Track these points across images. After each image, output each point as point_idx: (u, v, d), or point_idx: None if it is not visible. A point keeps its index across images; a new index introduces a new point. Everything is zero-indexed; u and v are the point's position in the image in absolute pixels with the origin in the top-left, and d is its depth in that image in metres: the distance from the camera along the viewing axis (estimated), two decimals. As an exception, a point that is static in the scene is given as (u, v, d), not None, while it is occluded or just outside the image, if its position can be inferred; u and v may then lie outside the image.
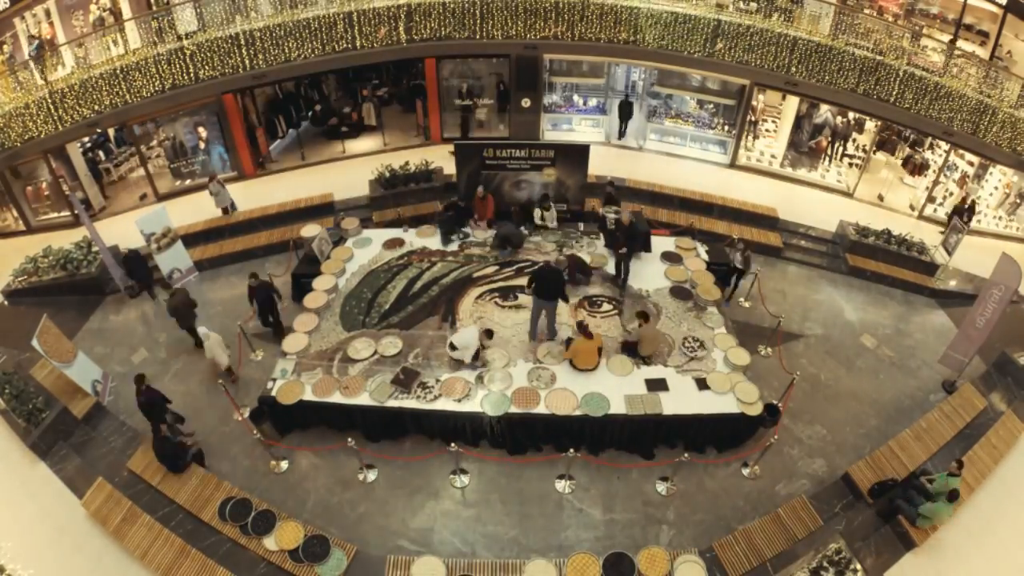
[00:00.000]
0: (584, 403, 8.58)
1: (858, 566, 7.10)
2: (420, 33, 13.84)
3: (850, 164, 15.16)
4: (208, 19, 12.74)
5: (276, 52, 13.16)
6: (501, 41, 14.08)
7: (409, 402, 8.70)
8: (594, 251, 11.42)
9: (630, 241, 10.40)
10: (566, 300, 9.64)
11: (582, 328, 8.93)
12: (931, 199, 14.02)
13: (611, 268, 10.87)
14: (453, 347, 9.07)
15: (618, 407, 8.54)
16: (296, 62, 13.49)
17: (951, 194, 14.22)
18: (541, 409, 8.56)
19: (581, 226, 12.22)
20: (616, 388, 8.82)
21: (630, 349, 9.32)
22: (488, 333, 9.20)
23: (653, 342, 9.29)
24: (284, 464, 8.76)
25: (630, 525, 8.03)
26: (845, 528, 7.75)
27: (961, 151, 13.60)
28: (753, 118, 15.41)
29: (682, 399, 8.71)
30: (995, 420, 9.11)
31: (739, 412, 8.57)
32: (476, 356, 9.13)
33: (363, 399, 8.71)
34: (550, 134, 15.91)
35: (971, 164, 13.95)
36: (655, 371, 9.11)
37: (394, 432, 8.95)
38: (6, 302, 11.50)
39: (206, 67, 12.80)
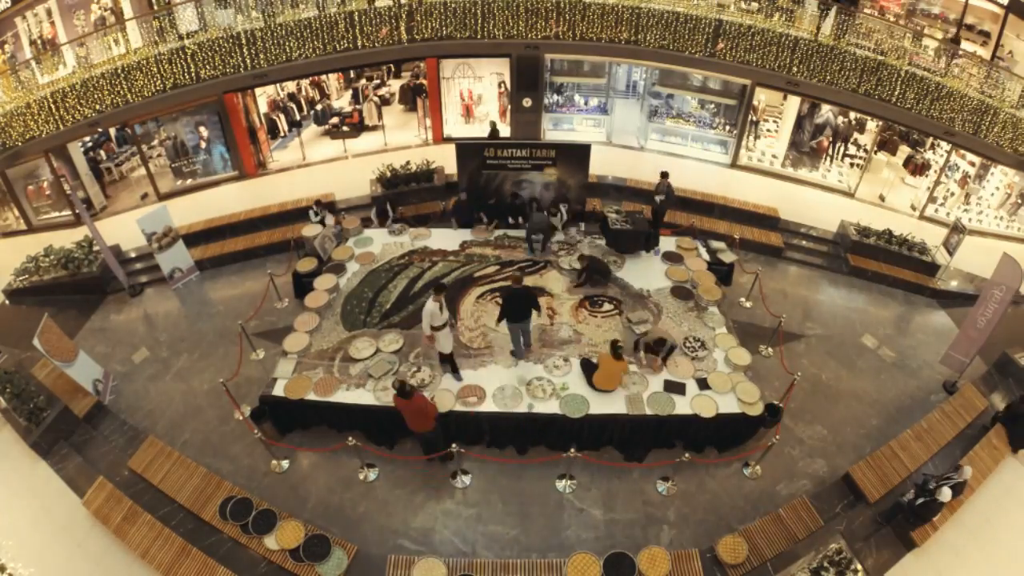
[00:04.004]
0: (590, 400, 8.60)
1: (859, 566, 7.10)
2: (421, 33, 13.85)
3: (851, 164, 15.14)
4: (209, 19, 12.74)
5: (277, 52, 13.17)
6: (502, 41, 14.08)
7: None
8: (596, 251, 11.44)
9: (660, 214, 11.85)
10: (538, 309, 9.28)
11: (614, 348, 8.31)
12: (932, 199, 14.02)
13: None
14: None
15: (619, 407, 8.54)
16: (297, 62, 13.49)
17: (952, 194, 14.21)
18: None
19: (582, 226, 12.22)
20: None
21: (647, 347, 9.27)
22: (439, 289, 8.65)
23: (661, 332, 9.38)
24: (285, 463, 8.77)
25: (630, 525, 8.03)
26: (846, 528, 7.75)
27: (962, 151, 13.60)
28: (754, 118, 15.38)
29: (685, 399, 8.69)
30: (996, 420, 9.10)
31: (740, 412, 8.57)
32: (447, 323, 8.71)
33: (364, 399, 8.71)
34: (551, 134, 15.91)
35: (972, 164, 13.95)
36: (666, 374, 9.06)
37: (395, 431, 8.94)
38: (7, 301, 11.51)
39: (207, 67, 12.80)
